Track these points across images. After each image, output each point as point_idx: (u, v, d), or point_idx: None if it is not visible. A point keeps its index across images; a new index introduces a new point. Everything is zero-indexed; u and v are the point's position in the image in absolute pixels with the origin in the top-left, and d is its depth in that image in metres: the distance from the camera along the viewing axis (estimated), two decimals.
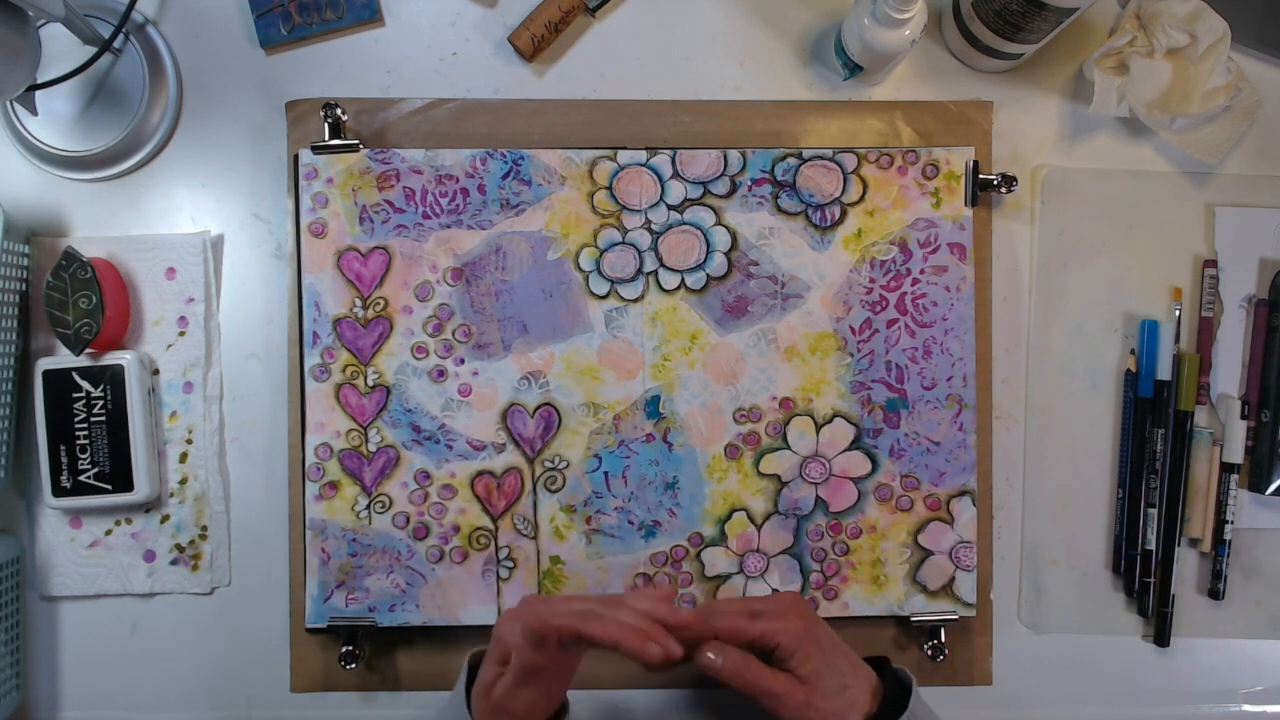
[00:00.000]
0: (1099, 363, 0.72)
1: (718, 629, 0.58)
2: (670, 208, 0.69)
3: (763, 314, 0.69)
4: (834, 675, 0.57)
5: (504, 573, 0.68)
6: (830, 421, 0.69)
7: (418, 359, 0.68)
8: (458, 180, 0.68)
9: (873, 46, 0.65)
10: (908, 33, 0.64)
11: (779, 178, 0.69)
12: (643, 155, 0.69)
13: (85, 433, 0.67)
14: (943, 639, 0.69)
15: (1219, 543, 0.70)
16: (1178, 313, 0.71)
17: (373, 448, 0.68)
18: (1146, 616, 0.71)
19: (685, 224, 0.69)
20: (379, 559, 0.68)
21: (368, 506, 0.68)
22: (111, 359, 0.67)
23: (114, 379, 0.67)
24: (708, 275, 0.69)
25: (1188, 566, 0.72)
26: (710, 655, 0.57)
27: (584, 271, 0.69)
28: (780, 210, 0.69)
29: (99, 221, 0.70)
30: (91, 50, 0.66)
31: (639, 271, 0.69)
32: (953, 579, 0.69)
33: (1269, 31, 0.71)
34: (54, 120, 0.69)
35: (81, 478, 0.67)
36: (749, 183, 0.69)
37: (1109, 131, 0.72)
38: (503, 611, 0.67)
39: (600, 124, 0.70)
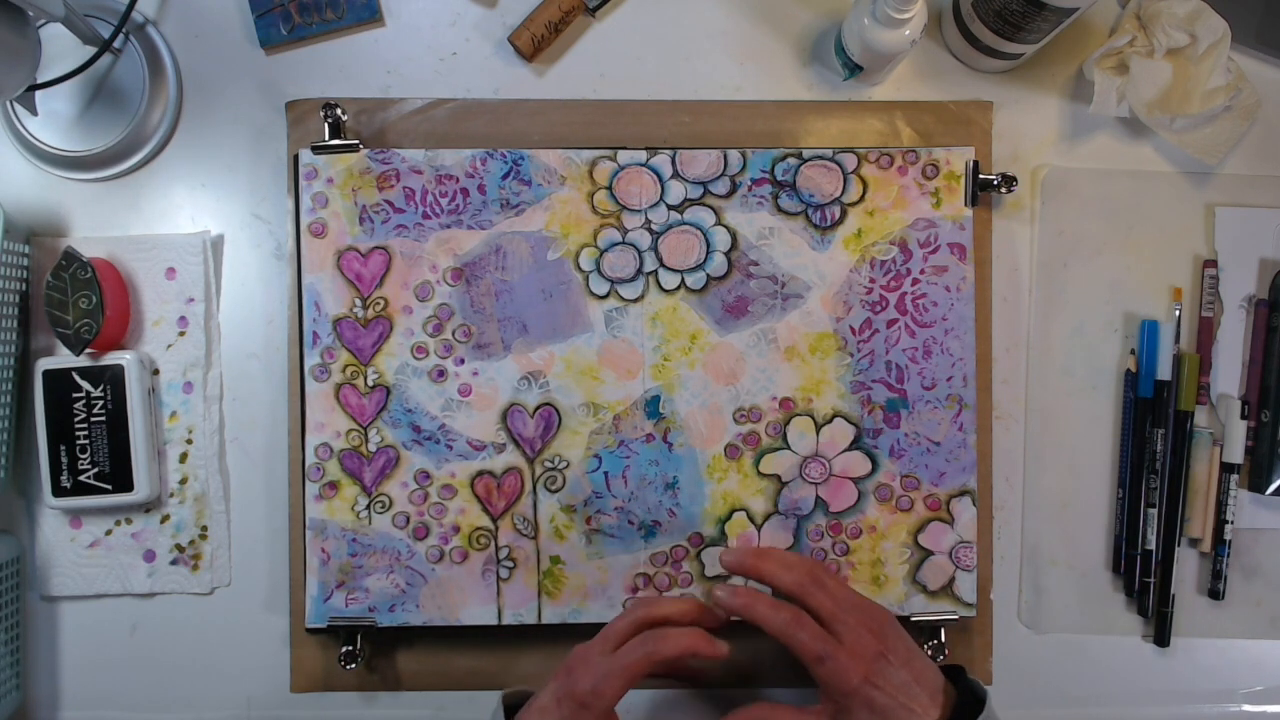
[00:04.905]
0: (1099, 363, 0.72)
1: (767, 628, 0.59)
2: (670, 208, 0.69)
3: (763, 314, 0.69)
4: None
5: (504, 573, 0.68)
6: (830, 421, 0.69)
7: (418, 359, 0.68)
8: (458, 180, 0.68)
9: (873, 46, 0.65)
10: (908, 33, 0.64)
11: (779, 178, 0.69)
12: (643, 155, 0.69)
13: (85, 433, 0.67)
14: (943, 639, 0.69)
15: (1219, 543, 0.70)
16: (1178, 313, 0.71)
17: (373, 448, 0.68)
18: (1146, 616, 0.71)
19: (685, 224, 0.69)
20: (379, 559, 0.68)
21: (368, 506, 0.68)
22: (111, 359, 0.67)
23: (114, 379, 0.67)
24: (708, 275, 0.69)
25: (1188, 566, 0.72)
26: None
27: (584, 271, 0.69)
28: (780, 210, 0.69)
29: (99, 221, 0.70)
30: (91, 50, 0.66)
31: (639, 271, 0.69)
32: (953, 579, 0.69)
33: (1269, 31, 0.71)
34: (54, 120, 0.69)
35: (81, 478, 0.67)
36: (749, 183, 0.69)
37: (1109, 131, 0.72)
38: (567, 670, 0.60)
39: (600, 124, 0.70)
